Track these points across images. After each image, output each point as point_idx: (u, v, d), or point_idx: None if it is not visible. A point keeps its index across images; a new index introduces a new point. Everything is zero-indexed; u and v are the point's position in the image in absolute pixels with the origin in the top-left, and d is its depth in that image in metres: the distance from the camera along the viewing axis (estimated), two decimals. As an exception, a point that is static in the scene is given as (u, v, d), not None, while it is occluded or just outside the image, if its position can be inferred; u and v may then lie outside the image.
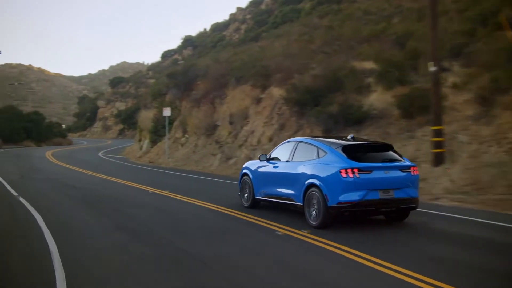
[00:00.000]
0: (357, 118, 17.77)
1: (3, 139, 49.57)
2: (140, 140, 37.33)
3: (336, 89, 19.29)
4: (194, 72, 31.08)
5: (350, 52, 22.30)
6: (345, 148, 8.89)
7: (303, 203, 9.16)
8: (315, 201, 8.82)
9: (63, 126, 78.84)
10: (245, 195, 11.38)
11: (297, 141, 10.23)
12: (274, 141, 20.17)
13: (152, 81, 74.60)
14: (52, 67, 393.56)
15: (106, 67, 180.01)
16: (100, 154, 38.65)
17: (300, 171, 9.36)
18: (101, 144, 57.67)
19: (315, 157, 9.23)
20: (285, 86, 22.18)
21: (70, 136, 78.90)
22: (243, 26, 63.55)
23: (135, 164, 28.49)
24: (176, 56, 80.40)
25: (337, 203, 8.43)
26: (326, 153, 9.04)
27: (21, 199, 12.63)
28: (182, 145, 29.05)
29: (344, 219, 8.94)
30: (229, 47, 45.83)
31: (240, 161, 21.05)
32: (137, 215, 10.44)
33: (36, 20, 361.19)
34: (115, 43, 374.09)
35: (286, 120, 21.03)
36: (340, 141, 9.34)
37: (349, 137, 9.73)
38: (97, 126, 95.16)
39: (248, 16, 66.33)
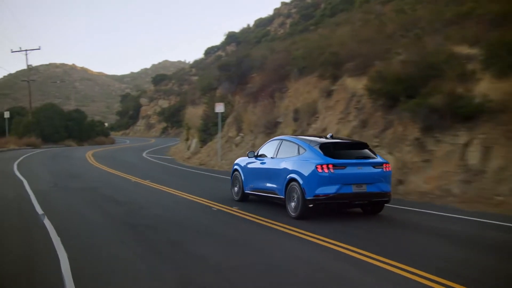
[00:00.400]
0: (468, 113, 13.95)
1: (43, 138, 46.77)
2: (187, 139, 34.21)
3: (433, 77, 15.57)
4: (248, 64, 27.59)
5: (436, 36, 18.61)
6: (322, 146, 9.66)
7: (285, 196, 9.85)
8: (294, 194, 9.54)
9: (106, 124, 76.86)
10: (235, 189, 12.37)
11: (281, 139, 11.13)
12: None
13: (195, 78, 72.39)
14: (95, 66, 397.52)
15: (148, 66, 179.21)
16: (144, 154, 35.53)
17: (283, 167, 10.13)
18: (145, 143, 54.95)
19: (296, 154, 10.04)
20: (362, 75, 18.52)
21: (113, 134, 77.04)
22: (288, 21, 61.92)
23: (184, 167, 25.15)
24: (220, 52, 78.32)
25: (314, 196, 9.12)
26: (305, 150, 9.83)
27: (46, 221, 9.36)
28: (236, 145, 25.65)
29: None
30: (275, 41, 43.30)
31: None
32: (211, 257, 6.90)
33: (80, 21, 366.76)
34: (156, 42, 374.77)
35: (368, 116, 17.22)
36: (319, 139, 10.10)
37: (328, 135, 10.59)
38: (140, 124, 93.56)
39: (293, 10, 64.97)
